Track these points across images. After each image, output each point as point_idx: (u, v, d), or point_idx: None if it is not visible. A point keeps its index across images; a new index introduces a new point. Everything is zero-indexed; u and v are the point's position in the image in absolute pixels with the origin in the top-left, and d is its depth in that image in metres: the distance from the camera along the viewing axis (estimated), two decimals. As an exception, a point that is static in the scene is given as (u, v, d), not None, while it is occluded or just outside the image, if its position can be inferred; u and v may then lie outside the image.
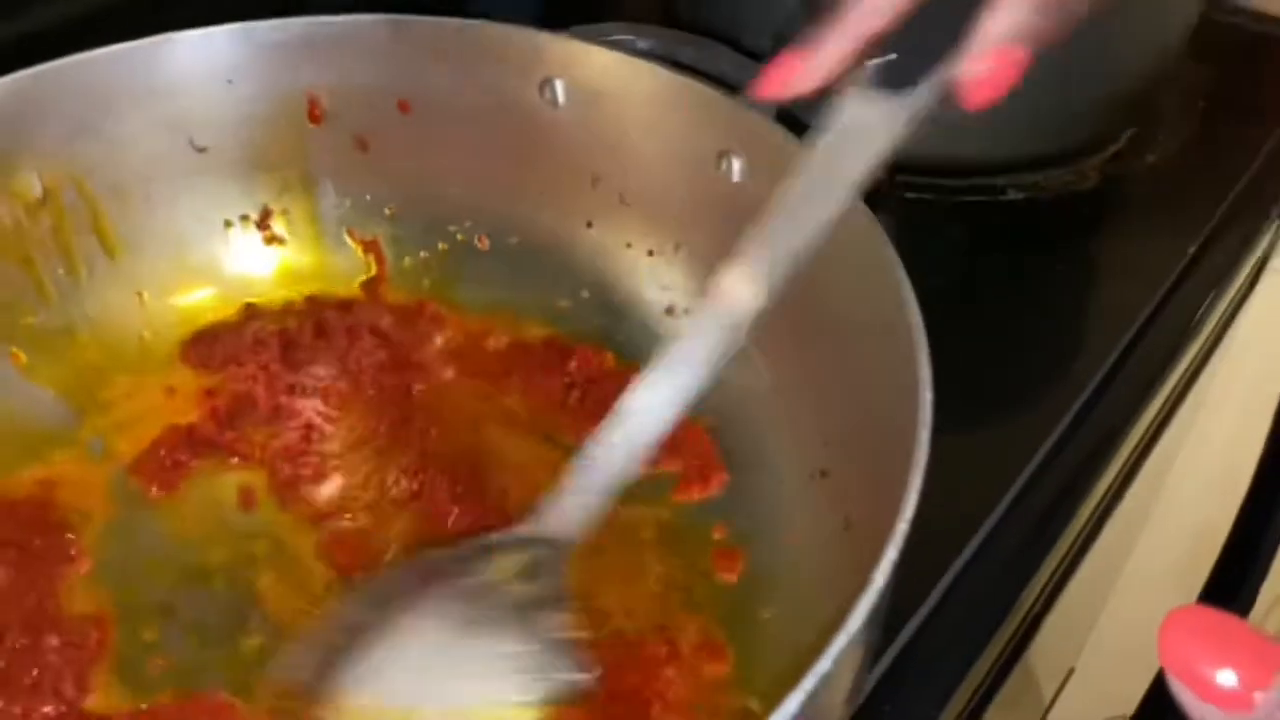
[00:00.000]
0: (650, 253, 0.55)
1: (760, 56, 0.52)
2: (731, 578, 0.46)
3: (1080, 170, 0.68)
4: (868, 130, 0.36)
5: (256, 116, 0.55)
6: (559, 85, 0.53)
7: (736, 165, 0.49)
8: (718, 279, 0.38)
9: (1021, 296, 0.62)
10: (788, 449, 0.47)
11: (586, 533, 0.39)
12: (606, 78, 0.52)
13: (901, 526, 0.30)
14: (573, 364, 0.54)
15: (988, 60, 0.35)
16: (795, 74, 0.37)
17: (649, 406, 0.38)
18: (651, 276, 0.56)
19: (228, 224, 0.57)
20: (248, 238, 0.57)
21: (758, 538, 0.46)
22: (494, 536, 0.41)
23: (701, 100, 0.49)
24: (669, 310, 0.55)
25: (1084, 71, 0.64)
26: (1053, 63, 0.61)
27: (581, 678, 0.36)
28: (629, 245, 0.56)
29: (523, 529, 0.39)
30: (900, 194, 0.66)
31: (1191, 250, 0.64)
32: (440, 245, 0.59)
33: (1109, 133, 0.70)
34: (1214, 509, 0.64)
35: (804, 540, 0.45)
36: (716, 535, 0.47)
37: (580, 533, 0.38)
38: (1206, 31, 0.72)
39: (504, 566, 0.39)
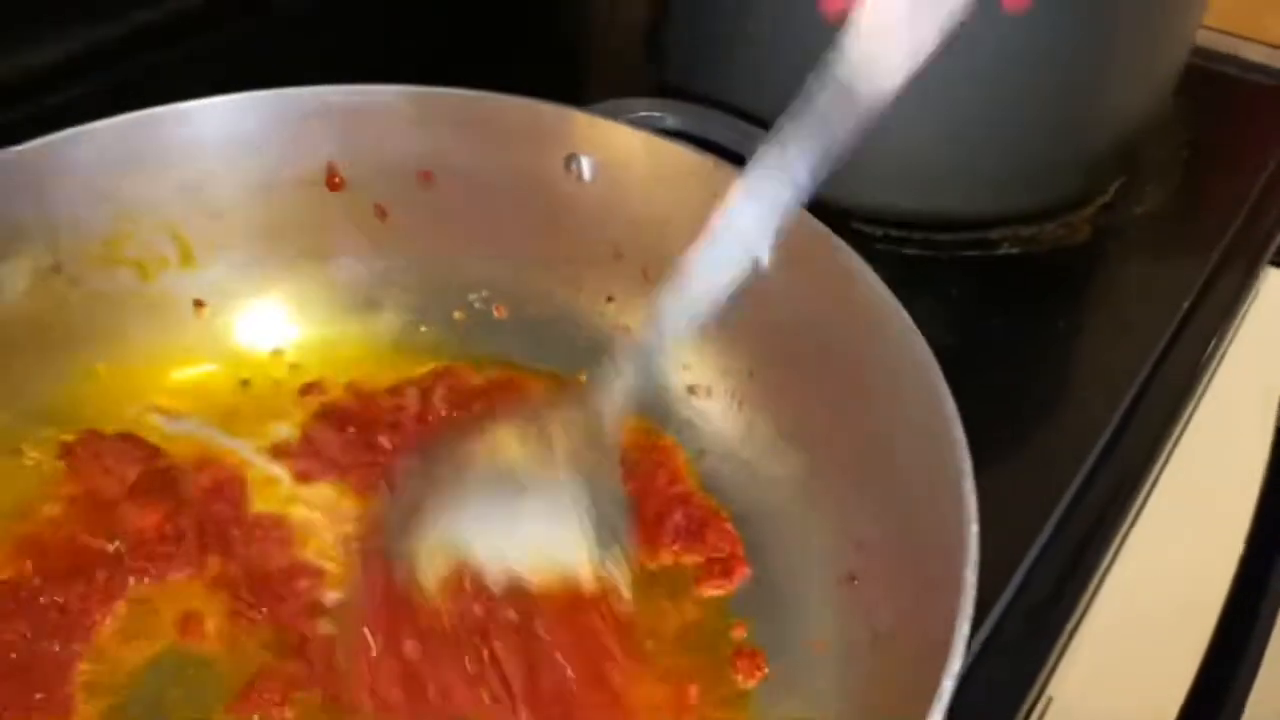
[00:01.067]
0: (677, 332, 0.54)
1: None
2: (751, 682, 0.44)
3: (1071, 223, 0.68)
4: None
5: (276, 184, 0.54)
6: (584, 161, 0.52)
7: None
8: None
9: (1020, 354, 0.61)
10: (816, 549, 0.46)
11: (634, 403, 0.42)
12: (632, 155, 0.51)
13: (947, 683, 0.29)
14: None
15: None
16: None
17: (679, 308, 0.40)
18: (674, 355, 0.54)
19: (237, 294, 0.56)
20: (257, 307, 0.56)
21: (780, 641, 0.45)
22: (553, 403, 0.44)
23: (728, 181, 0.48)
24: (691, 389, 0.54)
25: (1074, 123, 0.64)
26: (1043, 115, 0.63)
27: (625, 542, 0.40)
28: (651, 321, 0.55)
29: (581, 393, 0.42)
30: (898, 250, 0.66)
31: (1185, 304, 0.64)
32: (456, 314, 0.58)
33: (1098, 184, 0.70)
34: (1216, 560, 0.63)
35: (829, 649, 0.43)
36: (737, 634, 0.46)
37: (629, 402, 0.41)
38: (1190, 78, 0.72)
39: (563, 427, 0.42)
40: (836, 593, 0.44)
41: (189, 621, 0.46)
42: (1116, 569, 0.54)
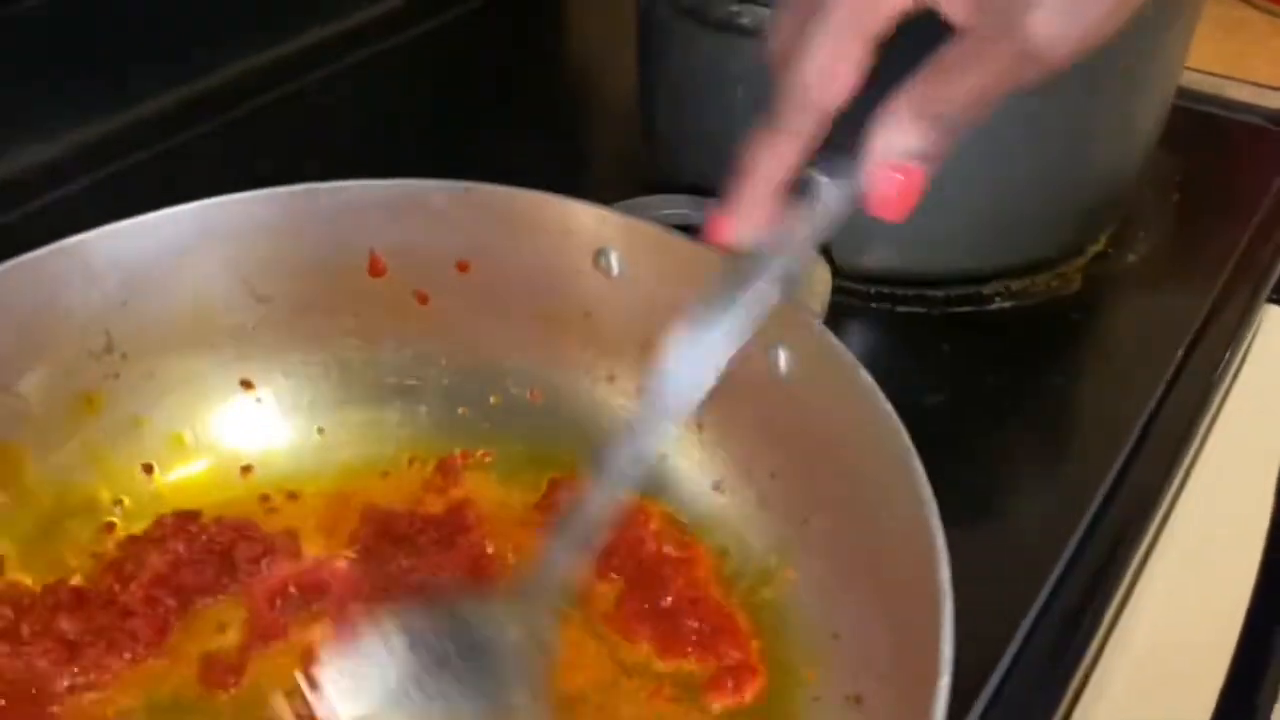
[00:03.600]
0: (700, 427, 0.54)
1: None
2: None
3: (1064, 274, 0.68)
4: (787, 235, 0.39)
5: (320, 269, 0.56)
6: (614, 256, 0.53)
7: (782, 359, 0.47)
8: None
9: (1015, 408, 0.61)
10: (828, 663, 0.45)
11: (565, 592, 0.42)
12: (660, 252, 0.51)
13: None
14: None
15: (883, 175, 0.36)
16: (733, 230, 0.40)
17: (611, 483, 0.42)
18: (698, 451, 0.54)
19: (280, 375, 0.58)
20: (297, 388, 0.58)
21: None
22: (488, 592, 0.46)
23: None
24: (716, 485, 0.54)
25: (1062, 178, 0.64)
26: (1031, 172, 0.62)
27: None
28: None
29: (509, 587, 0.43)
30: (891, 308, 0.66)
31: (1181, 350, 0.63)
32: (492, 398, 0.59)
33: (1090, 234, 0.70)
34: (1223, 608, 0.59)
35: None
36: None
37: (560, 592, 0.42)
38: (1176, 120, 0.70)
39: (493, 620, 0.42)
40: (843, 712, 0.43)
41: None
42: (1121, 622, 0.52)
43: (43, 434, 0.52)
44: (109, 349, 0.53)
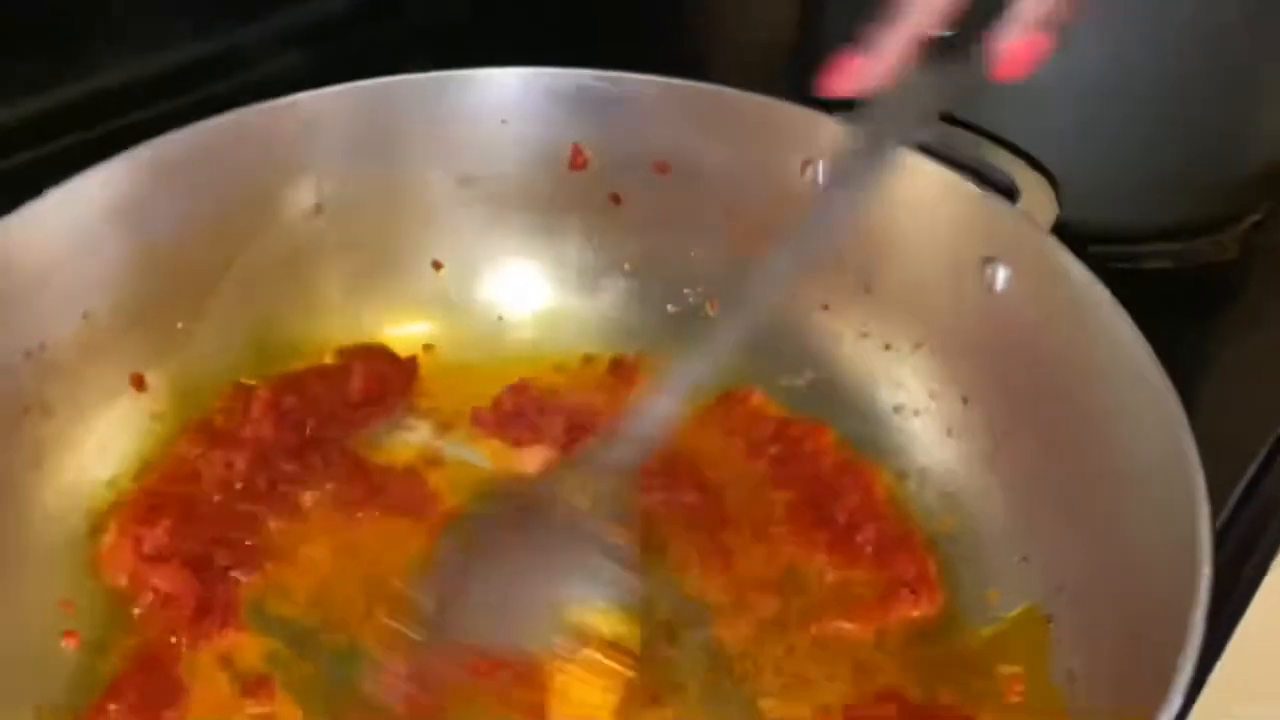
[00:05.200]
0: (887, 347, 0.53)
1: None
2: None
3: (1219, 241, 0.66)
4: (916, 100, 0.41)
5: (523, 158, 0.57)
6: (821, 166, 0.52)
7: (1001, 275, 0.46)
8: None
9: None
10: (1013, 584, 0.44)
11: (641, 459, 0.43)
12: (874, 166, 0.51)
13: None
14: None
15: (1021, 37, 0.39)
16: (858, 72, 0.40)
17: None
18: (884, 371, 0.54)
19: (472, 258, 0.59)
20: (488, 273, 0.59)
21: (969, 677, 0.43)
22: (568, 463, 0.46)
23: (974, 203, 0.47)
24: (897, 409, 0.53)
25: (1227, 139, 0.63)
26: (1197, 131, 0.61)
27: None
28: (865, 335, 0.54)
29: (593, 453, 0.43)
30: None
31: None
32: (670, 306, 0.59)
33: (1249, 202, 0.68)
34: None
35: (1025, 688, 0.41)
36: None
37: (637, 460, 0.42)
38: None
39: (577, 488, 0.43)
40: (1032, 631, 0.42)
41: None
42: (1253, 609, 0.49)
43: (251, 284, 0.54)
44: (319, 210, 0.55)
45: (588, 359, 0.58)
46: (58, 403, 0.47)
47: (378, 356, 0.56)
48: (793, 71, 0.69)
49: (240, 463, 0.50)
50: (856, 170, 0.41)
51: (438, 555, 0.44)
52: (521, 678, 0.40)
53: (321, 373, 0.55)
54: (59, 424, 0.47)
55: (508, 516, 0.44)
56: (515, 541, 0.43)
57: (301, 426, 0.52)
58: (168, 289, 0.51)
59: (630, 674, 0.40)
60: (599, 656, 0.40)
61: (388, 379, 0.55)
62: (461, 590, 0.42)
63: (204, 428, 0.52)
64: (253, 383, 0.53)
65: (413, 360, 0.56)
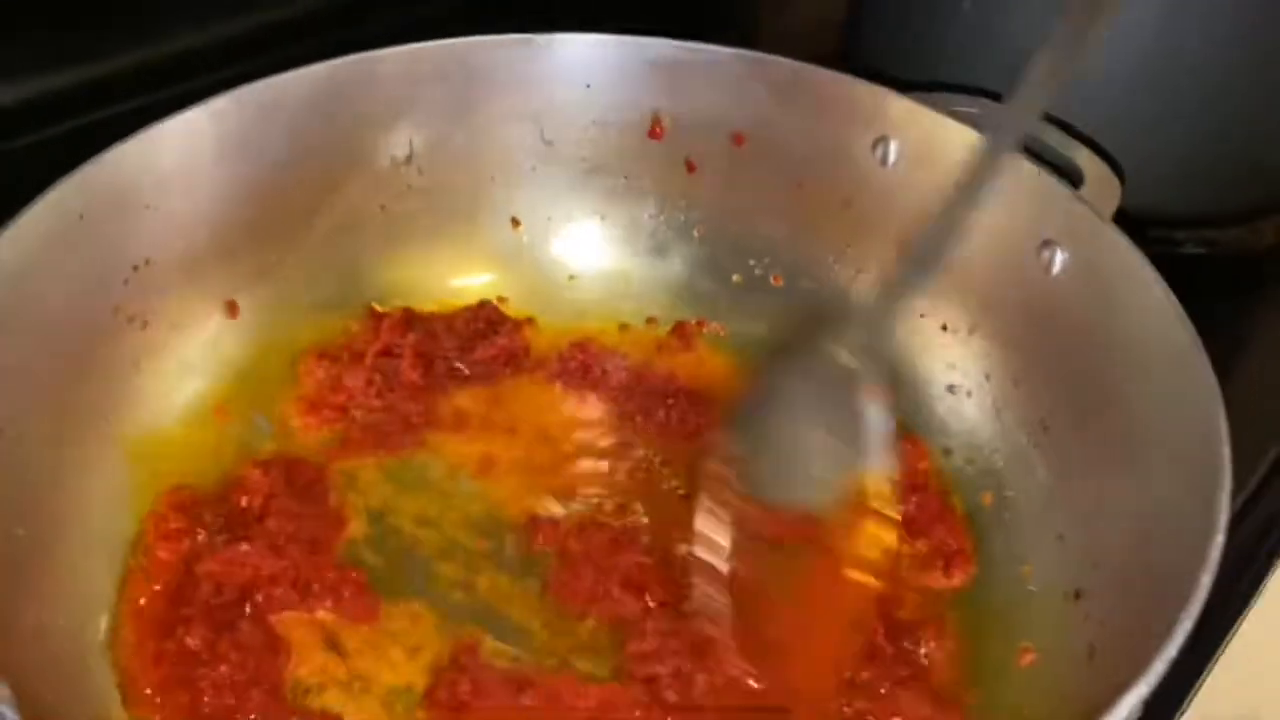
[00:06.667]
0: (944, 327, 0.54)
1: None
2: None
3: (1257, 228, 0.67)
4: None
5: (604, 123, 0.59)
6: (893, 145, 0.53)
7: (1059, 259, 0.47)
8: None
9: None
10: (1048, 560, 0.45)
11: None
12: (944, 146, 0.52)
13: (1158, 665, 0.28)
14: None
15: None
16: None
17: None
18: (939, 351, 0.55)
19: (550, 219, 0.61)
20: (563, 234, 0.61)
21: (988, 648, 0.44)
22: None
23: (1036, 186, 0.48)
24: (951, 388, 0.54)
25: (1268, 132, 0.63)
26: (1239, 120, 0.61)
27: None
28: (922, 315, 0.55)
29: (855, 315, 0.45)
30: None
31: None
32: (735, 276, 0.61)
33: None
34: None
35: (1040, 661, 0.42)
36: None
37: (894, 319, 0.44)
38: None
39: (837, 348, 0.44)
40: (1060, 606, 0.43)
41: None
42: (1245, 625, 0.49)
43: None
44: (410, 161, 0.58)
45: (650, 321, 0.60)
46: (154, 317, 0.51)
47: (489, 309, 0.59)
48: (841, 50, 0.72)
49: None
50: (983, 172, 0.41)
51: (739, 415, 0.46)
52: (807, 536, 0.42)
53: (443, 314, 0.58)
54: (153, 335, 0.51)
55: (793, 380, 0.45)
56: (801, 401, 0.44)
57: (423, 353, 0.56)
58: (264, 222, 0.54)
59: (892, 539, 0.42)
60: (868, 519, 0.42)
61: (497, 326, 0.58)
62: (759, 449, 0.44)
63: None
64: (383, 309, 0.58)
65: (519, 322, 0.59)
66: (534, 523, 0.49)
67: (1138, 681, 0.29)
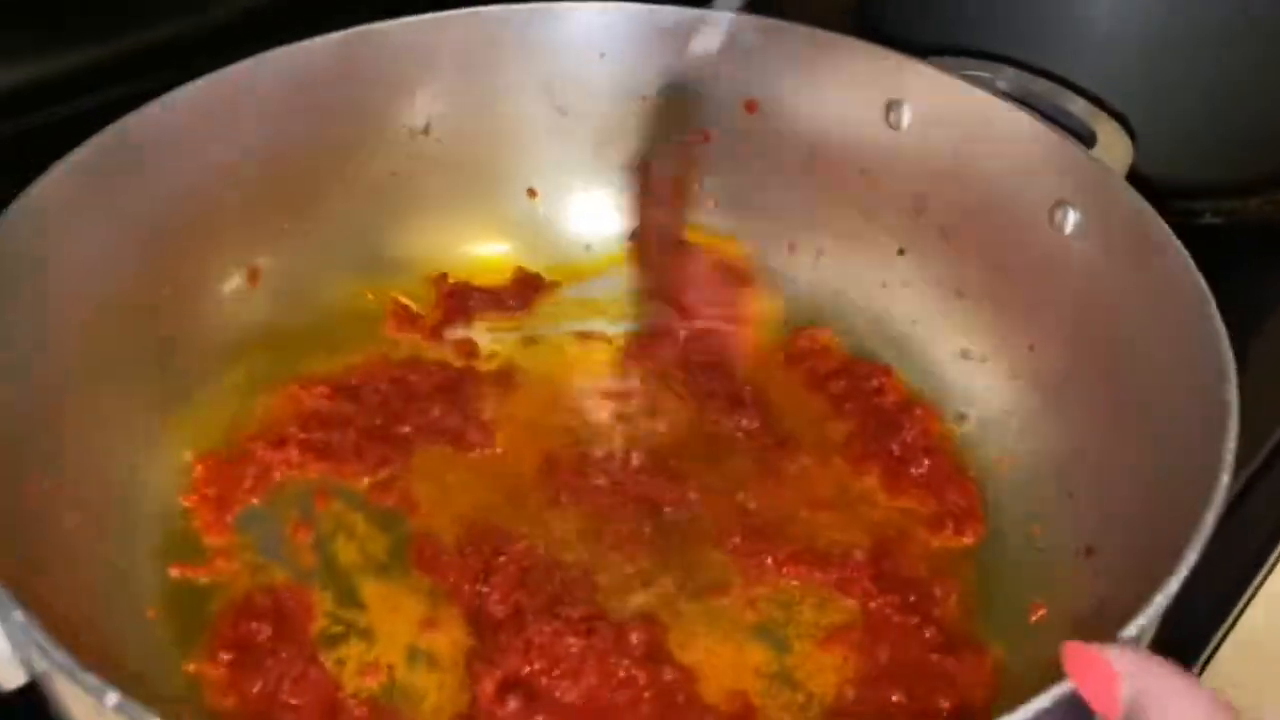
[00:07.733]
0: (959, 293, 0.54)
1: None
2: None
3: (1276, 201, 0.66)
4: None
5: (617, 91, 0.59)
6: (906, 109, 0.53)
7: (1072, 218, 0.47)
8: None
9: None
10: (1059, 518, 0.45)
11: None
12: (955, 110, 0.52)
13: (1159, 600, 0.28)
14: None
15: None
16: None
17: None
18: (953, 318, 0.55)
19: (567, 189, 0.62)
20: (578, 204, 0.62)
21: (1000, 605, 0.44)
22: None
23: (1048, 147, 0.48)
24: (964, 353, 0.54)
25: None
26: (1258, 89, 0.60)
27: None
28: (939, 281, 0.55)
29: None
30: None
31: None
32: (747, 244, 0.61)
33: None
34: None
35: (1051, 617, 0.42)
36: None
37: None
38: None
39: None
40: (1071, 562, 0.43)
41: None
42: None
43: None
44: (427, 130, 0.58)
45: (667, 290, 0.61)
46: (176, 275, 0.51)
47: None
48: (854, 15, 0.71)
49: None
50: None
51: None
52: None
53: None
54: (175, 293, 0.51)
55: None
56: None
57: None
58: (285, 189, 0.55)
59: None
60: None
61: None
62: None
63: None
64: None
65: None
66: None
67: (1139, 615, 0.29)
